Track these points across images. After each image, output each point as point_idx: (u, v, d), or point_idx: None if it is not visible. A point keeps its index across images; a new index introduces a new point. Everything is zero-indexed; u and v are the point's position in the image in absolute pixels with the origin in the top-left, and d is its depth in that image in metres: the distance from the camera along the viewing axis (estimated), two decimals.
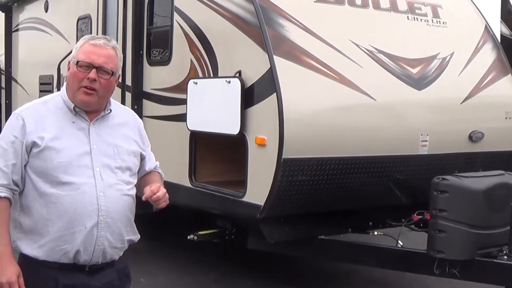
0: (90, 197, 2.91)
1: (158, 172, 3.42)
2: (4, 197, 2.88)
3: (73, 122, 2.99)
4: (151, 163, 3.36)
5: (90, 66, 2.93)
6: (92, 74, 2.93)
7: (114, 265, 3.09)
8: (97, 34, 8.13)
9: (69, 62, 3.02)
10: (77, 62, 2.94)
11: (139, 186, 3.18)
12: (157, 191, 2.99)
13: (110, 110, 3.10)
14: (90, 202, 2.91)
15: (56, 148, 2.89)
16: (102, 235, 2.94)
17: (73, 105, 2.99)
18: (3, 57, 11.92)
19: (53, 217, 2.88)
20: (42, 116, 2.95)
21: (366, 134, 5.57)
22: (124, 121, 3.19)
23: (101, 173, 2.96)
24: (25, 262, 2.95)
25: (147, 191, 2.99)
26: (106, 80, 2.97)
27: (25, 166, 2.91)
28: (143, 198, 3.01)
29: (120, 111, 3.20)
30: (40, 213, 2.90)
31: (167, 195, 3.07)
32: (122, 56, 3.13)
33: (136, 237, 3.19)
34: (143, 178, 3.27)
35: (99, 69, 2.94)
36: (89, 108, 3.01)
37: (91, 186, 2.92)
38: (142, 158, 3.26)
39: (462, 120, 6.27)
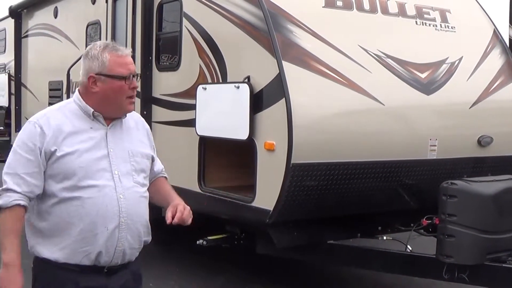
0: (111, 199, 2.97)
1: (165, 177, 3.51)
2: (22, 206, 2.90)
3: (91, 127, 3.04)
4: (159, 165, 3.45)
5: (130, 76, 3.03)
6: (135, 83, 3.06)
7: (128, 266, 3.13)
8: (106, 39, 8.17)
9: (91, 77, 3.01)
10: (125, 77, 3.01)
11: (152, 193, 3.26)
12: (181, 213, 3.16)
13: (126, 115, 3.16)
14: (112, 204, 2.97)
15: (76, 153, 2.94)
16: (123, 236, 3.00)
17: (91, 110, 3.03)
18: (12, 63, 11.98)
19: (75, 220, 2.92)
20: (59, 123, 2.98)
21: (374, 139, 5.58)
22: (135, 125, 3.26)
23: (119, 176, 3.02)
24: (44, 266, 2.98)
25: (171, 213, 3.15)
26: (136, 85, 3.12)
27: (44, 172, 2.94)
28: (172, 222, 3.15)
29: (130, 115, 3.24)
30: (60, 217, 2.93)
31: (190, 211, 3.23)
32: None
33: (149, 238, 3.26)
34: (154, 185, 3.34)
35: (134, 77, 3.07)
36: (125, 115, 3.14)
37: (111, 188, 2.98)
38: (152, 161, 3.33)
39: (470, 124, 6.26)
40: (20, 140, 2.98)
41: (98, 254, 2.96)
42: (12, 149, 2.99)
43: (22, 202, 2.89)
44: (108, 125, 3.08)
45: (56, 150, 2.91)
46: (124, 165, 3.06)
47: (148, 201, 3.21)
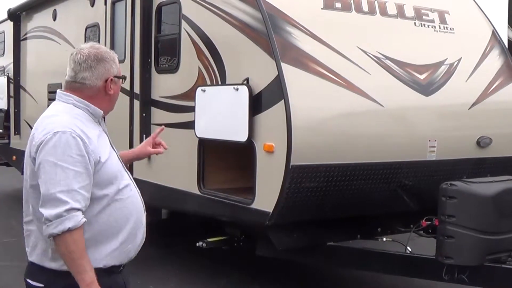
0: (138, 194, 3.10)
1: None
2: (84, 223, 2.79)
3: (100, 130, 3.05)
4: None
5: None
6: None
7: None
8: (105, 42, 8.18)
9: (111, 80, 3.04)
10: (123, 76, 3.15)
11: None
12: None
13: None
14: (140, 199, 3.10)
15: (110, 157, 2.97)
16: (145, 228, 3.12)
17: (102, 113, 3.07)
18: (11, 66, 11.98)
19: (121, 222, 2.95)
20: (85, 129, 2.89)
21: (374, 141, 5.58)
22: None
23: (128, 172, 3.14)
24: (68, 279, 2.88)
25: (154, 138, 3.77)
26: None
27: None
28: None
29: None
30: (105, 223, 2.90)
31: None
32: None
33: None
34: None
35: None
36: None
37: (134, 185, 3.10)
38: None
39: (470, 125, 6.27)
40: (60, 153, 2.77)
41: (136, 250, 3.07)
42: (48, 163, 2.77)
43: (85, 219, 2.78)
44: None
45: (100, 157, 2.87)
46: (121, 162, 3.14)
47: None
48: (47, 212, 2.72)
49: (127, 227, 2.96)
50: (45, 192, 2.75)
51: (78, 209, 2.74)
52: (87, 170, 2.80)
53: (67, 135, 2.79)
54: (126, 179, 3.03)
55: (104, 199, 2.89)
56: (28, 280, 2.95)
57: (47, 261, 2.88)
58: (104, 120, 3.16)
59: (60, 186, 2.74)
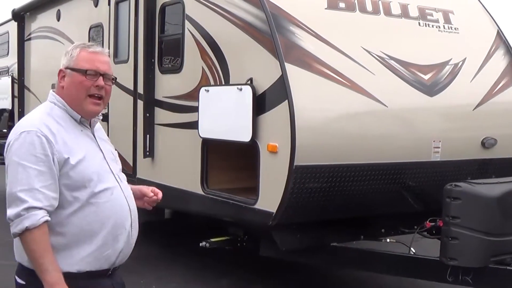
0: (122, 199, 2.98)
1: None
2: (47, 221, 2.74)
3: (81, 130, 2.99)
4: None
5: (96, 73, 2.94)
6: (100, 81, 2.94)
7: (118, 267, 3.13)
8: (108, 42, 8.19)
9: (61, 71, 2.98)
10: (86, 70, 2.92)
11: None
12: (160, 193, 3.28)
13: (102, 115, 3.14)
14: (124, 204, 2.99)
15: (86, 159, 2.87)
16: (133, 233, 3.04)
17: (79, 117, 2.97)
18: (16, 66, 11.99)
19: (95, 227, 2.86)
20: (57, 129, 2.86)
21: (378, 141, 5.56)
22: (99, 125, 3.21)
23: (118, 176, 3.04)
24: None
25: (151, 193, 3.28)
26: (109, 87, 3.02)
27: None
28: (152, 198, 3.26)
29: None
30: (79, 227, 2.84)
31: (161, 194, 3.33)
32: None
33: None
34: None
35: (104, 76, 2.97)
36: (93, 117, 3.03)
37: (118, 189, 2.98)
38: None
39: (474, 126, 6.25)
40: (23, 152, 2.76)
41: (118, 256, 2.96)
42: (12, 163, 2.77)
43: (47, 218, 2.73)
44: (90, 127, 3.05)
45: (69, 158, 2.80)
46: (116, 165, 3.08)
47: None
48: (9, 211, 2.74)
49: (102, 232, 2.87)
50: (8, 192, 2.77)
51: (39, 208, 2.71)
52: (51, 170, 2.76)
53: (31, 135, 2.77)
54: (107, 182, 2.92)
55: (75, 202, 2.82)
56: (16, 277, 2.95)
57: (25, 260, 2.87)
58: (90, 123, 3.05)
59: (21, 185, 2.72)
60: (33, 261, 2.75)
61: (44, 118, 2.89)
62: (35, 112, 2.98)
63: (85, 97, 2.94)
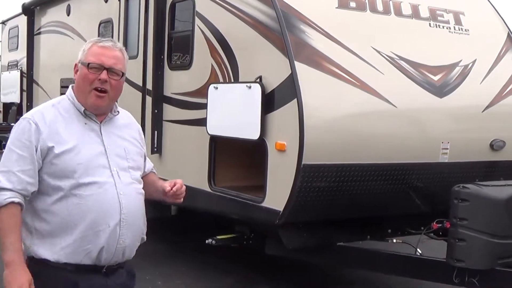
0: (112, 195, 2.95)
1: (154, 173, 3.51)
2: (17, 203, 2.84)
3: (85, 123, 3.02)
4: (149, 164, 3.45)
5: (101, 67, 2.98)
6: (104, 75, 2.98)
7: (124, 266, 3.12)
8: (118, 38, 8.20)
9: (76, 65, 3.07)
10: (88, 64, 2.98)
11: (144, 188, 3.23)
12: (180, 186, 3.20)
13: (118, 112, 3.17)
14: (113, 200, 2.95)
15: (74, 151, 2.91)
16: (124, 233, 2.98)
17: (83, 108, 3.02)
18: (25, 60, 12.02)
19: (76, 218, 2.88)
20: (53, 119, 2.96)
21: (386, 141, 5.55)
22: (128, 123, 3.26)
23: (118, 172, 3.01)
24: (41, 267, 2.93)
25: (168, 187, 3.22)
26: (116, 81, 3.03)
27: (39, 170, 2.90)
28: (170, 191, 3.21)
29: (123, 113, 3.25)
30: (61, 216, 2.89)
31: (184, 187, 3.26)
32: (128, 58, 3.17)
33: (145, 236, 3.25)
34: (145, 180, 3.31)
35: (110, 70, 2.99)
36: (99, 111, 3.06)
37: (112, 185, 2.96)
38: (144, 159, 3.34)
39: (483, 128, 6.23)
40: (13, 137, 2.93)
41: (99, 252, 2.93)
42: (6, 146, 2.94)
43: (16, 200, 2.83)
44: (100, 122, 3.07)
45: (53, 146, 2.88)
46: (121, 162, 3.06)
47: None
48: None
49: (82, 224, 2.89)
50: None
51: (9, 190, 2.82)
52: (31, 156, 2.87)
53: (25, 122, 2.93)
54: (96, 176, 2.93)
55: (59, 191, 2.89)
56: None
57: (31, 252, 3.01)
58: (95, 118, 3.07)
59: (2, 167, 2.89)
60: None
61: (45, 108, 3.02)
62: (43, 103, 3.11)
63: (89, 90, 2.99)
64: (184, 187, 3.23)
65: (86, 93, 2.99)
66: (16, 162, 2.86)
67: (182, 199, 3.26)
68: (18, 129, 2.93)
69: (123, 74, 3.07)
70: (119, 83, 3.06)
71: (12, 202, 2.82)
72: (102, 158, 2.99)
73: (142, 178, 3.26)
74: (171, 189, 3.21)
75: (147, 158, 3.40)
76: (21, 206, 2.86)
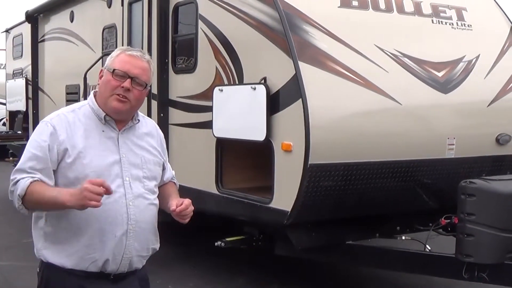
0: (121, 206, 2.93)
1: (174, 183, 3.46)
2: (38, 179, 2.85)
3: (103, 131, 3.01)
4: (169, 173, 3.40)
5: (125, 75, 2.95)
6: (127, 83, 2.95)
7: (136, 272, 3.11)
8: (122, 43, 8.22)
9: (101, 70, 3.05)
10: (113, 70, 2.96)
11: (159, 198, 3.20)
12: (185, 207, 3.04)
13: (139, 120, 3.14)
14: (120, 211, 2.93)
15: (87, 158, 2.91)
16: (131, 243, 2.98)
17: (103, 114, 3.00)
18: (29, 68, 12.06)
19: (83, 226, 2.89)
20: (72, 124, 2.96)
21: (392, 139, 5.56)
22: (149, 131, 3.21)
23: (130, 182, 2.99)
24: (51, 271, 2.96)
25: (174, 206, 3.04)
26: (139, 92, 3.00)
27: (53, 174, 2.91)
28: (174, 212, 3.04)
29: (145, 121, 3.23)
30: (69, 222, 2.90)
31: (191, 208, 3.09)
32: (153, 70, 3.13)
33: (158, 245, 3.23)
34: (161, 190, 3.27)
35: (134, 79, 2.96)
36: (119, 116, 3.03)
37: (121, 195, 2.94)
38: (163, 169, 3.30)
39: (488, 123, 6.24)
40: (31, 138, 2.98)
41: (105, 262, 2.94)
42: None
43: (34, 178, 2.85)
44: (120, 130, 3.05)
45: (68, 151, 2.89)
46: (136, 171, 3.03)
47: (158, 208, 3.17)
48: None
49: (88, 231, 2.90)
50: None
51: (23, 177, 2.86)
52: (45, 155, 2.89)
53: (43, 124, 2.98)
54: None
55: None
56: (38, 272, 3.11)
57: (42, 256, 3.04)
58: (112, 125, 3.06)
59: (19, 165, 2.94)
60: (44, 205, 2.87)
61: (65, 112, 3.04)
62: (65, 107, 3.14)
63: (110, 95, 2.97)
64: (191, 207, 3.08)
65: (107, 97, 2.97)
66: (30, 161, 2.89)
67: (187, 220, 3.10)
68: (37, 131, 2.98)
69: (146, 85, 3.03)
70: (142, 94, 3.03)
71: (34, 181, 2.84)
72: (116, 167, 2.97)
73: (159, 188, 3.23)
74: (176, 208, 3.06)
75: (168, 166, 3.37)
76: (43, 181, 2.87)
